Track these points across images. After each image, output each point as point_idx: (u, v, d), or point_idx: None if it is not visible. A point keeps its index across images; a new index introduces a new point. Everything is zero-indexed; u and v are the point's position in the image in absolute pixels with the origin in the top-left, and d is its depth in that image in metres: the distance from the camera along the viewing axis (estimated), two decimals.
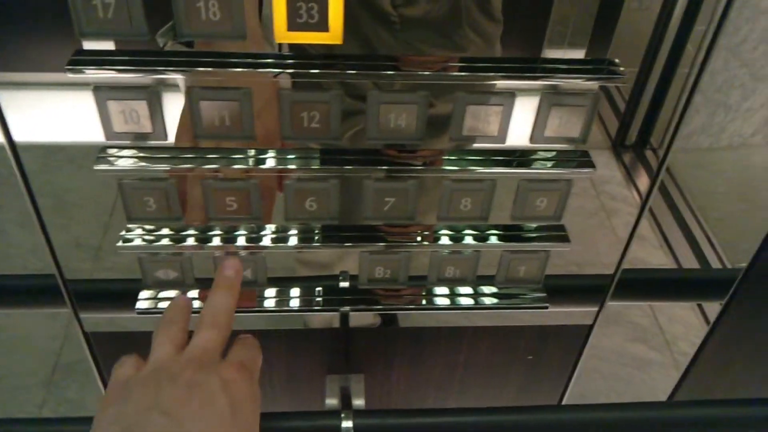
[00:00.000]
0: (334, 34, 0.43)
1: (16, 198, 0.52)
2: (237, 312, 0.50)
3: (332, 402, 0.68)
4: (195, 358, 0.44)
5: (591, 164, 0.53)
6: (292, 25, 0.42)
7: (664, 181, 0.60)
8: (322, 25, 0.43)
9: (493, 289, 0.63)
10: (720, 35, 0.48)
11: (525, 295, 0.63)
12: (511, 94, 0.48)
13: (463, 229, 0.58)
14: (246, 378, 0.44)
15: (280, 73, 0.45)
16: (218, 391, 0.42)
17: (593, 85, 0.48)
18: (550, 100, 0.48)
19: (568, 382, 0.75)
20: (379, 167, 0.51)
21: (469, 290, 0.63)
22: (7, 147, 0.49)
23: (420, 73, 0.46)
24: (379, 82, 0.47)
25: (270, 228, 0.56)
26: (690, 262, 0.72)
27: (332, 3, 0.42)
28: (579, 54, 0.48)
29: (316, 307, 0.61)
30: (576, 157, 0.53)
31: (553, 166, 0.53)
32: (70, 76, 0.44)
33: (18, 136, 0.48)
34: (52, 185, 0.52)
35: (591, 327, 0.69)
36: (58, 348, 1.31)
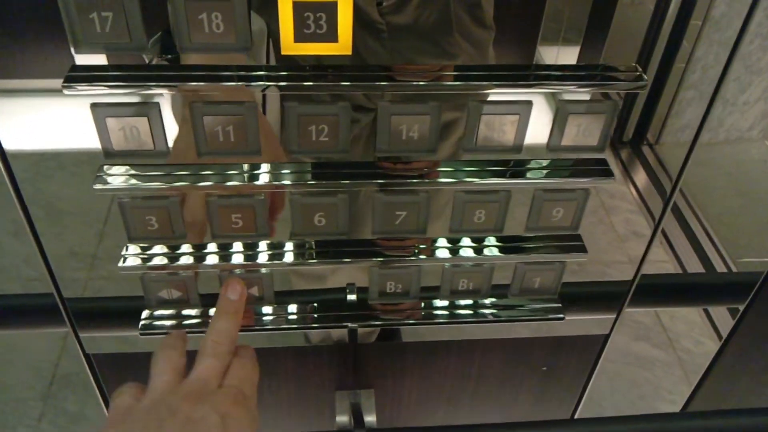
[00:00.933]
0: (343, 45, 0.41)
1: (8, 207, 0.50)
2: (241, 331, 0.50)
3: (343, 419, 0.66)
4: (194, 392, 0.44)
5: (610, 173, 0.51)
6: (300, 37, 0.40)
7: (659, 177, 0.58)
8: (331, 36, 0.40)
9: (507, 301, 0.61)
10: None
11: (540, 305, 0.61)
12: (528, 103, 0.46)
13: (478, 241, 0.56)
14: (243, 407, 0.45)
15: (288, 85, 0.43)
16: (216, 426, 0.43)
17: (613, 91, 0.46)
18: (568, 108, 0.46)
19: (583, 391, 0.73)
20: (391, 180, 0.49)
21: (482, 302, 0.61)
22: None
23: (432, 83, 0.44)
24: (386, 93, 0.45)
25: (274, 244, 0.54)
26: (689, 257, 0.70)
27: (341, 12, 0.40)
28: (573, 52, 0.46)
29: (324, 324, 0.59)
30: (594, 166, 0.51)
31: (569, 176, 0.51)
32: (67, 93, 0.42)
33: (7, 144, 0.46)
34: (44, 193, 0.50)
35: (607, 336, 0.67)
36: (55, 359, 1.29)
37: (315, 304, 0.60)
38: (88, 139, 0.44)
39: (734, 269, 0.71)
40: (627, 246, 0.61)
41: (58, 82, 0.42)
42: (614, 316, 0.65)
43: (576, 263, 0.59)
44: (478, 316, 0.61)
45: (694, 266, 0.69)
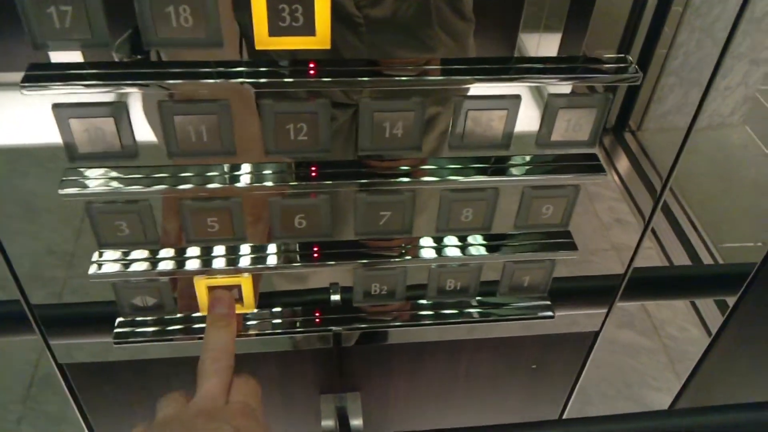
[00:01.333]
0: (321, 39, 0.39)
1: None
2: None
3: (328, 423, 0.64)
4: (204, 410, 0.44)
5: (600, 168, 0.49)
6: (274, 30, 0.38)
7: (642, 164, 0.57)
8: (308, 29, 0.38)
9: (495, 300, 0.59)
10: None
11: (529, 303, 0.60)
12: (516, 98, 0.44)
13: (465, 240, 0.54)
14: (254, 419, 0.45)
15: (266, 82, 0.40)
16: None
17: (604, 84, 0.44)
18: (558, 102, 0.44)
19: (574, 387, 0.72)
20: (374, 179, 0.47)
21: (470, 302, 0.59)
22: None
23: (416, 78, 0.42)
24: (367, 89, 0.43)
25: (256, 247, 0.51)
26: (673, 244, 0.69)
27: (319, 4, 0.37)
28: (555, 39, 0.44)
29: (308, 329, 0.57)
30: (584, 161, 0.49)
31: (559, 172, 0.49)
32: (26, 93, 0.39)
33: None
34: (19, 191, 0.47)
35: (598, 333, 0.65)
36: (34, 360, 1.26)
37: (298, 308, 0.57)
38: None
39: (718, 256, 0.70)
40: (611, 234, 0.60)
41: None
42: (605, 311, 0.63)
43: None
44: (465, 316, 0.59)
45: (679, 254, 0.67)
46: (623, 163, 0.59)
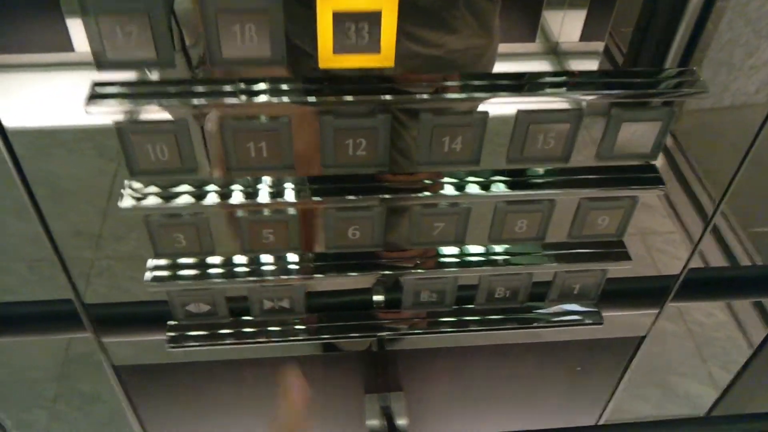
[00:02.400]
0: (385, 56, 0.38)
1: (9, 187, 0.48)
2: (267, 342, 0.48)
3: (373, 423, 0.65)
4: None
5: (660, 181, 0.48)
6: (339, 48, 0.37)
7: (667, 145, 0.55)
8: (373, 47, 0.37)
9: (544, 307, 0.59)
10: None
11: (578, 309, 0.59)
12: (578, 111, 0.43)
13: (516, 249, 0.54)
14: None
15: (331, 100, 0.40)
16: None
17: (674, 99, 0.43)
18: (623, 115, 0.43)
19: (614, 391, 0.71)
20: (428, 193, 0.47)
21: (517, 308, 0.59)
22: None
23: (479, 95, 0.41)
24: (431, 106, 0.42)
25: (306, 257, 0.51)
26: (697, 229, 0.67)
27: (385, 22, 0.37)
28: (580, 17, 0.42)
29: (355, 334, 0.57)
30: (643, 174, 0.48)
31: (617, 184, 0.48)
32: (91, 112, 0.39)
33: (7, 121, 0.43)
34: (45, 172, 0.48)
35: (643, 338, 0.65)
36: (66, 340, 1.28)
37: (345, 312, 0.58)
38: (85, 116, 0.41)
39: (747, 242, 0.68)
40: (651, 238, 0.59)
41: (50, 56, 0.39)
42: (656, 312, 0.63)
43: None
44: (512, 322, 0.59)
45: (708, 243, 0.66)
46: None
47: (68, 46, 0.38)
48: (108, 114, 0.39)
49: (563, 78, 0.43)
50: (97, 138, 0.43)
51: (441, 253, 0.53)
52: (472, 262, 0.53)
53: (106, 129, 0.40)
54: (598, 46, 0.43)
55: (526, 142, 0.44)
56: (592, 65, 0.43)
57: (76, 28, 0.37)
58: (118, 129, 0.40)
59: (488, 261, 0.53)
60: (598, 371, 0.70)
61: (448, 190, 0.47)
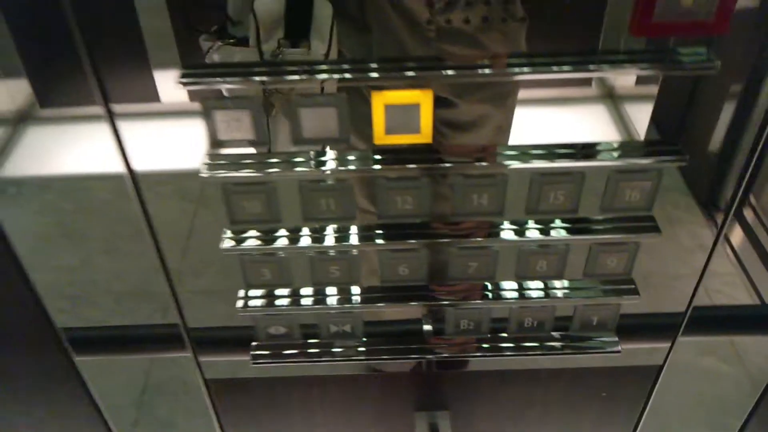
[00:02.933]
0: (424, 135, 0.50)
1: (102, 227, 0.57)
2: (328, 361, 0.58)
3: None
4: None
5: (656, 229, 0.58)
6: (389, 130, 0.50)
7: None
8: (415, 129, 0.50)
9: (569, 336, 0.68)
10: None
11: (598, 339, 0.68)
12: (581, 174, 0.54)
13: (543, 284, 0.64)
14: None
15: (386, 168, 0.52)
16: None
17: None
18: (619, 178, 0.54)
19: (641, 416, 0.79)
20: (464, 237, 0.58)
21: (546, 336, 0.68)
22: (128, 177, 0.55)
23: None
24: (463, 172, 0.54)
25: (368, 288, 0.63)
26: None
27: (423, 111, 0.49)
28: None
29: (406, 356, 0.68)
30: (642, 223, 0.58)
31: (619, 231, 0.58)
32: (186, 88, 0.49)
33: (137, 166, 0.53)
34: (127, 213, 0.59)
35: (661, 367, 0.73)
36: (146, 368, 1.41)
37: (397, 337, 0.69)
38: (167, 160, 0.50)
39: None
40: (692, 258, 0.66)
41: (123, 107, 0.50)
42: (668, 345, 0.71)
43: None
44: (541, 349, 0.68)
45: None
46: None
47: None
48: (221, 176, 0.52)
49: (572, 150, 0.53)
50: (174, 181, 0.52)
51: (482, 287, 0.64)
52: (503, 296, 0.64)
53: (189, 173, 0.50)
54: None
55: (541, 197, 0.55)
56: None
57: (161, 81, 0.47)
58: (224, 189, 0.53)
59: (518, 295, 0.63)
60: (624, 398, 0.78)
61: (477, 236, 0.58)
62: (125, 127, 0.52)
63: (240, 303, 0.63)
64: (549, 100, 0.70)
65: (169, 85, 0.49)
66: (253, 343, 0.68)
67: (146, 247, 0.59)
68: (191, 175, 0.52)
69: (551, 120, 0.70)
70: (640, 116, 0.56)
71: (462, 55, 0.50)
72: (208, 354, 0.72)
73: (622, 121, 0.68)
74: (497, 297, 0.63)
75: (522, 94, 0.67)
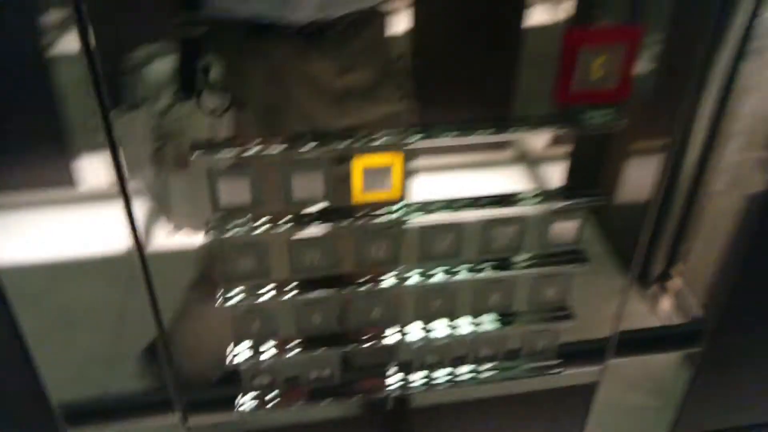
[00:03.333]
0: (394, 192, 0.60)
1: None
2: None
3: None
4: None
5: (585, 259, 0.69)
6: (367, 189, 0.59)
7: None
8: (388, 187, 0.59)
9: (516, 363, 0.78)
10: None
11: (539, 364, 0.78)
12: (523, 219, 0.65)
13: (491, 318, 0.74)
14: None
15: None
16: None
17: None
18: (549, 219, 0.65)
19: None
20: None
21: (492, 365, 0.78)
22: (136, 255, 0.59)
23: None
24: None
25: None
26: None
27: (395, 171, 0.59)
28: None
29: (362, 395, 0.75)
30: (573, 256, 0.69)
31: (555, 264, 0.69)
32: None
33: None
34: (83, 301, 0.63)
35: (597, 383, 0.84)
36: None
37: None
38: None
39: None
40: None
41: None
42: (601, 366, 0.82)
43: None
44: (492, 377, 0.77)
45: None
46: None
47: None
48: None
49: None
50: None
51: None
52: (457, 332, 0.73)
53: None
54: None
55: (489, 240, 0.65)
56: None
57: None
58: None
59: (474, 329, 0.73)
60: (565, 418, 0.88)
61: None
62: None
63: (229, 358, 0.68)
64: (467, 164, 0.80)
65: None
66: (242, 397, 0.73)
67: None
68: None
69: (473, 182, 0.79)
70: (556, 176, 0.67)
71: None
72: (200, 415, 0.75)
73: (538, 181, 0.80)
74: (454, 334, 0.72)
75: (440, 160, 0.76)
